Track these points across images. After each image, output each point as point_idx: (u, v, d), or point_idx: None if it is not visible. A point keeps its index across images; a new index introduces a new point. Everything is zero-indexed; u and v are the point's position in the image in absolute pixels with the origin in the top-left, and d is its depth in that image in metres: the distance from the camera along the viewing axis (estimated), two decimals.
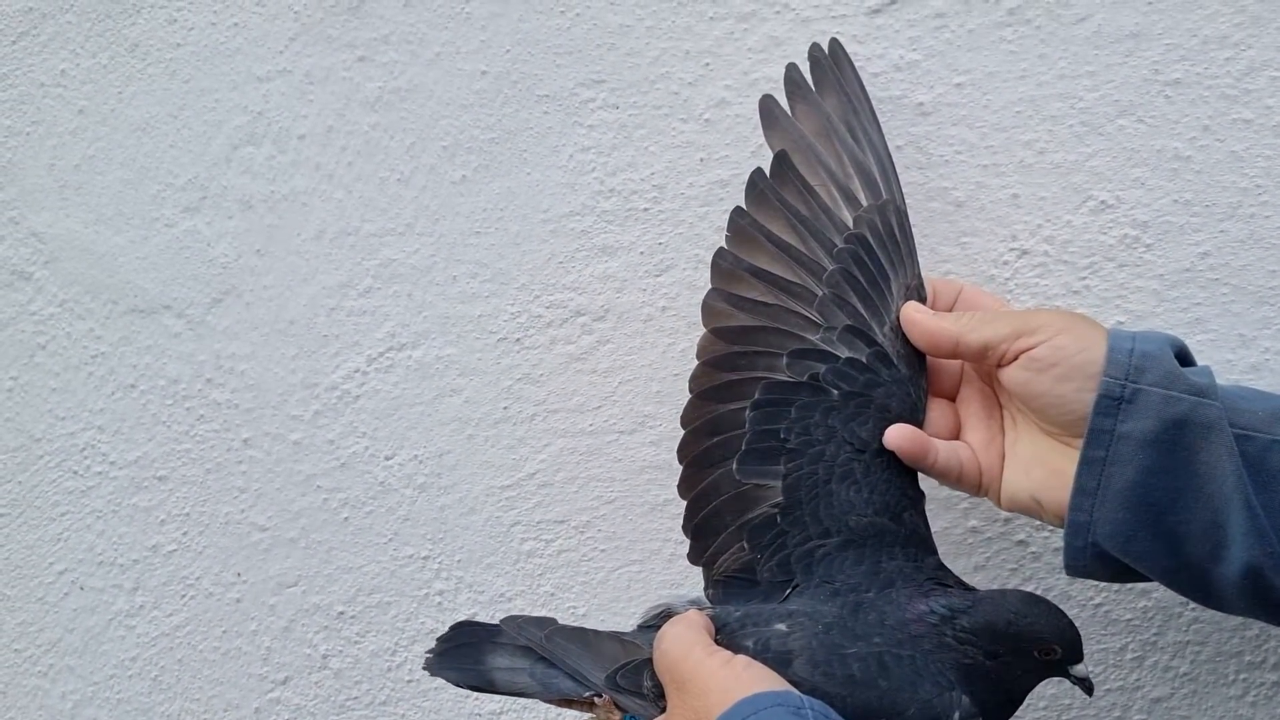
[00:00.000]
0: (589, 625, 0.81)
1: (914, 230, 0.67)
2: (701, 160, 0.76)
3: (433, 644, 0.65)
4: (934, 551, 0.63)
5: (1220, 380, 0.59)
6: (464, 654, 0.64)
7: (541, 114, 0.78)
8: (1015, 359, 0.61)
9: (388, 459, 0.83)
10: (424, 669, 0.64)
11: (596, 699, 0.61)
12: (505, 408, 0.81)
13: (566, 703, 0.63)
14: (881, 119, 0.70)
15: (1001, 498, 0.65)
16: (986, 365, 0.64)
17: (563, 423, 0.80)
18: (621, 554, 0.80)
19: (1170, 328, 0.71)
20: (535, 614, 0.81)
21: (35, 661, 0.90)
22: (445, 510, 0.82)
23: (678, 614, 0.61)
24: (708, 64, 0.76)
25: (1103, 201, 0.71)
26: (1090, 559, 0.60)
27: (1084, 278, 0.72)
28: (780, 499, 0.63)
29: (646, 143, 0.77)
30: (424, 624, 0.84)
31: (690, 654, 0.56)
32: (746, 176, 0.75)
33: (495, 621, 0.65)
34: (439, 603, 0.83)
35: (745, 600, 0.63)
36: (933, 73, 0.72)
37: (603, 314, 0.79)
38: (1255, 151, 0.70)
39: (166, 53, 0.83)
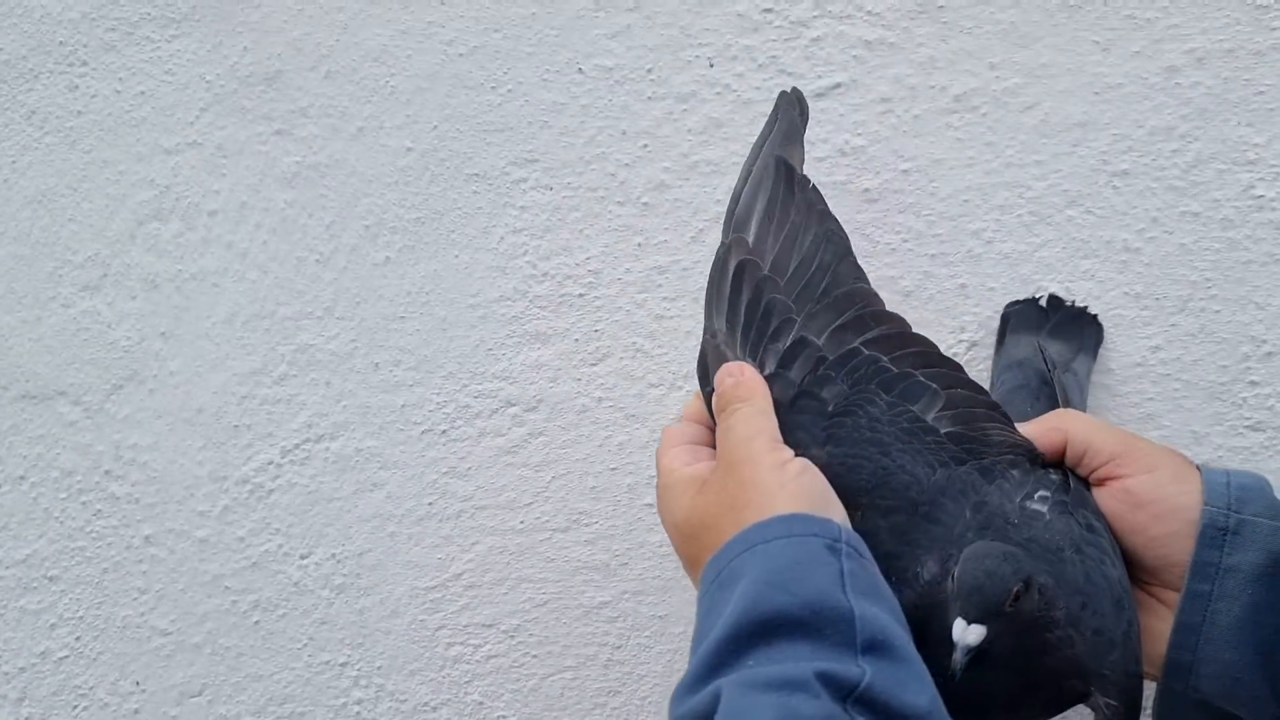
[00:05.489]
0: None
1: None
2: (639, 245, 0.74)
3: None
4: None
5: None
6: None
7: (471, 193, 0.75)
8: (1110, 481, 0.56)
9: (303, 558, 0.78)
10: None
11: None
12: (430, 504, 0.77)
13: None
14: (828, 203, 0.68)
15: None
16: (1080, 471, 0.58)
17: (491, 520, 0.76)
18: (554, 660, 0.77)
19: (1122, 423, 0.69)
20: None
21: None
22: (365, 613, 0.78)
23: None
24: (645, 145, 0.73)
25: (1052, 294, 0.70)
26: (1188, 708, 0.55)
27: None
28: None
29: (581, 225, 0.74)
30: None
31: (753, 441, 0.52)
32: (685, 262, 0.73)
33: None
34: (357, 712, 0.78)
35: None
36: (878, 158, 0.71)
37: (535, 404, 0.75)
38: (1204, 245, 0.69)
39: (67, 121, 0.79)
